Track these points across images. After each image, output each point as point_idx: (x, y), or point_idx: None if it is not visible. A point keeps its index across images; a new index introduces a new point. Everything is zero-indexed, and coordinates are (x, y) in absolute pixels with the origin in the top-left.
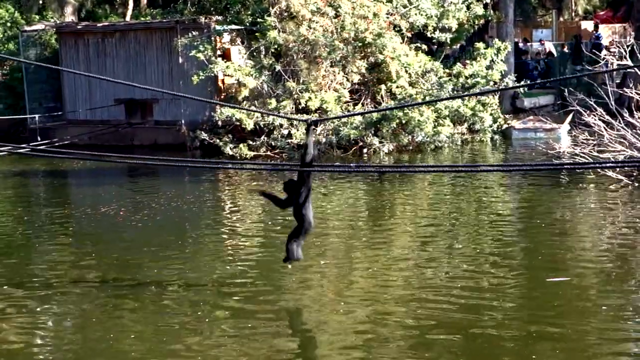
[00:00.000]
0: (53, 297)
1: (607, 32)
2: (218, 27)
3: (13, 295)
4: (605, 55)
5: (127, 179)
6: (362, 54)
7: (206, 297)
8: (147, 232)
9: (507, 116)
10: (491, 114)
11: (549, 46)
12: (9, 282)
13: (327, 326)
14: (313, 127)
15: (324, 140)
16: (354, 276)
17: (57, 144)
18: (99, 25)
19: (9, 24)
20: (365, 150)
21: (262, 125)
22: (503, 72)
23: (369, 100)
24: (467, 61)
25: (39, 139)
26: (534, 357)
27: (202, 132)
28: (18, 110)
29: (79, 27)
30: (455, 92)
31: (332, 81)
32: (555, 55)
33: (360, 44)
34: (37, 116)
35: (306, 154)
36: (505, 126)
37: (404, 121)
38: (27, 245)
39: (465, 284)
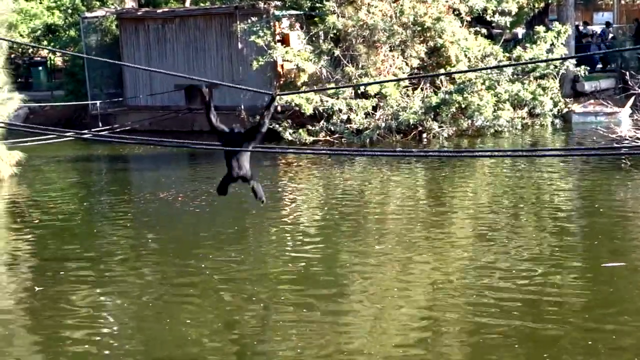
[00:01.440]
0: (112, 283)
1: None
2: (277, 13)
3: (73, 280)
4: None
5: (187, 165)
6: (421, 38)
7: (265, 285)
8: (205, 219)
9: (567, 100)
10: (551, 98)
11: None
12: (69, 267)
13: (386, 315)
14: (275, 101)
15: (382, 125)
16: (412, 264)
17: (118, 130)
18: (159, 11)
19: (70, 11)
20: (424, 135)
21: (321, 110)
22: (563, 56)
23: (428, 85)
24: (527, 45)
25: (100, 125)
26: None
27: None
28: (80, 97)
29: (139, 13)
30: (515, 76)
31: (391, 66)
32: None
33: (419, 28)
34: (98, 102)
35: (262, 124)
36: (565, 110)
37: (463, 105)
38: (88, 230)
39: (525, 272)
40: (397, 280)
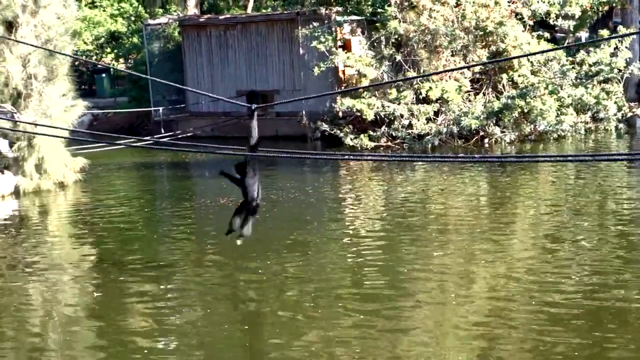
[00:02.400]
0: (172, 290)
1: None
2: (338, 18)
3: (135, 286)
4: None
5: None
6: (483, 43)
7: (325, 292)
8: (264, 226)
9: (631, 104)
10: (615, 102)
11: None
12: (131, 273)
13: (446, 325)
14: (257, 112)
15: (444, 130)
16: (474, 269)
17: (180, 136)
18: (221, 17)
19: (133, 18)
20: (486, 140)
21: (382, 116)
22: (628, 60)
23: (490, 89)
24: (591, 49)
25: (162, 131)
26: None
27: (323, 123)
28: (142, 103)
29: (201, 19)
30: (578, 80)
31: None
32: None
33: (481, 33)
34: (161, 109)
35: (250, 138)
36: (629, 114)
37: (526, 110)
38: (149, 236)
39: (588, 285)
40: (457, 289)
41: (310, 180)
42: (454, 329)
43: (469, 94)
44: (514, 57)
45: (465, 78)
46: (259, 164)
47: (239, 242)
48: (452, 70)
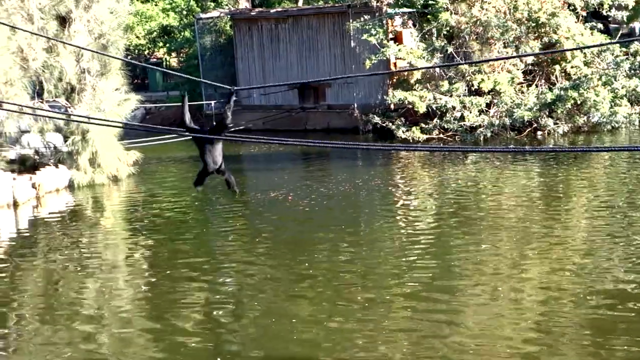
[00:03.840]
0: (225, 283)
1: None
2: (390, 11)
3: (187, 279)
4: None
5: (300, 163)
6: (536, 34)
7: (377, 283)
8: (316, 218)
9: None
10: None
11: None
12: (182, 265)
13: (499, 317)
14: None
15: (497, 122)
16: (525, 265)
17: (232, 129)
18: (272, 11)
19: (184, 12)
20: (539, 132)
21: (434, 108)
22: None
23: (542, 81)
24: None
25: (214, 124)
26: None
27: (375, 116)
28: (194, 97)
29: (252, 13)
30: (632, 71)
31: (505, 62)
32: None
33: (533, 24)
34: (213, 102)
35: (225, 118)
36: None
37: (579, 102)
38: (200, 230)
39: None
40: (509, 281)
41: (362, 173)
42: (508, 321)
43: (522, 86)
44: (564, 50)
45: (518, 70)
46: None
47: (236, 195)
48: (484, 61)
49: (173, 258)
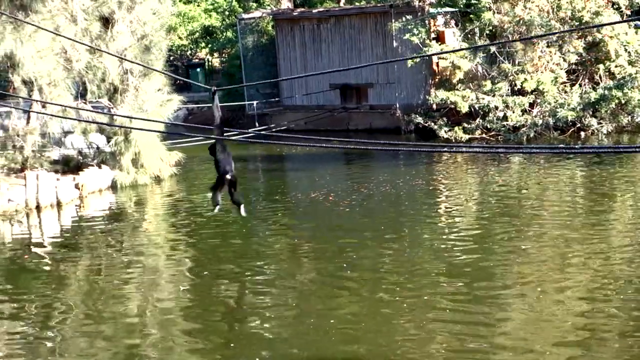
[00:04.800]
0: (267, 281)
1: None
2: (432, 10)
3: (228, 279)
4: None
5: (342, 164)
6: (580, 33)
7: (419, 283)
8: (356, 218)
9: None
10: None
11: None
12: (224, 265)
13: (540, 318)
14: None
15: (540, 122)
16: (568, 267)
17: (274, 130)
18: (314, 11)
19: (227, 13)
20: (583, 132)
21: (477, 108)
22: None
23: (586, 80)
24: None
25: (257, 125)
26: None
27: (417, 116)
28: (237, 97)
29: (294, 13)
30: None
31: (548, 62)
32: None
33: (577, 23)
34: (255, 102)
35: (214, 118)
36: None
37: (623, 101)
38: (242, 230)
39: None
40: (551, 283)
41: (403, 173)
42: (549, 324)
43: (565, 85)
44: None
45: (561, 69)
46: (225, 142)
47: (215, 210)
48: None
49: (214, 258)
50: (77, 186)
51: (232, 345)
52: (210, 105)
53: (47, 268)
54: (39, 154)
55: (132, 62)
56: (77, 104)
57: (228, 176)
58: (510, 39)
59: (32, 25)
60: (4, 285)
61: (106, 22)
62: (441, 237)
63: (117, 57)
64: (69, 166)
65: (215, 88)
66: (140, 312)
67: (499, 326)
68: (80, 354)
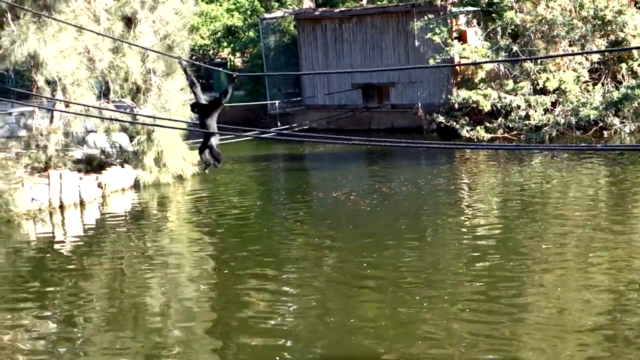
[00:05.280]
0: (288, 280)
1: None
2: (454, 9)
3: (250, 277)
4: None
5: (364, 163)
6: (602, 33)
7: (440, 283)
8: (377, 217)
9: None
10: None
11: None
12: (246, 264)
13: (564, 320)
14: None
15: (562, 121)
16: (592, 267)
17: (296, 129)
18: (336, 10)
19: (249, 12)
20: (605, 132)
21: (499, 107)
22: None
23: (609, 79)
24: None
25: (279, 124)
26: None
27: (439, 115)
28: (259, 97)
29: (316, 13)
30: None
31: (570, 61)
32: None
33: (599, 22)
34: (277, 102)
35: (224, 95)
36: None
37: None
38: (264, 229)
39: None
40: (574, 284)
41: (425, 172)
42: (571, 324)
43: (588, 84)
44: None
45: (584, 68)
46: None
47: (207, 171)
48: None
49: (236, 257)
50: (100, 185)
51: (253, 344)
52: (233, 104)
53: (70, 267)
54: (62, 153)
55: (163, 54)
56: (100, 103)
57: (212, 139)
58: (532, 38)
59: (57, 20)
60: (28, 284)
61: (129, 22)
62: (462, 236)
63: (144, 48)
64: (92, 165)
65: (237, 74)
66: (162, 311)
67: (520, 327)
68: (103, 352)
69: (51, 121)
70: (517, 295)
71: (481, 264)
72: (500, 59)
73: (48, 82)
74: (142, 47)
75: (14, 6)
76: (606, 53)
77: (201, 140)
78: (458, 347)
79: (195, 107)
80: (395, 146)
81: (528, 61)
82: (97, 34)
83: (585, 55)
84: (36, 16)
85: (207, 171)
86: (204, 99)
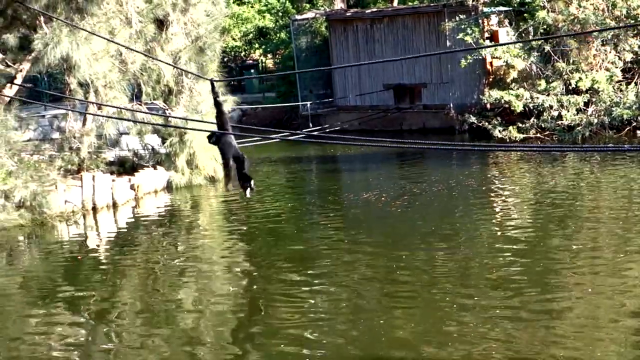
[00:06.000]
0: (321, 282)
1: None
2: (485, 9)
3: (282, 278)
4: None
5: (395, 164)
6: (635, 32)
7: (473, 284)
8: (408, 219)
9: None
10: None
11: None
12: (278, 265)
13: (599, 320)
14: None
15: (595, 121)
16: (626, 269)
17: (328, 130)
18: (367, 11)
19: (280, 14)
20: (638, 131)
21: (531, 107)
22: None
23: None
24: None
25: (310, 125)
26: None
27: (471, 116)
28: (290, 98)
29: (348, 14)
30: None
31: (603, 60)
32: None
33: (632, 21)
34: (308, 103)
35: (217, 108)
36: None
37: None
38: (295, 230)
39: None
40: (607, 287)
41: (456, 173)
42: (605, 325)
43: (621, 84)
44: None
45: (617, 68)
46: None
47: (248, 194)
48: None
49: (269, 259)
50: (132, 187)
51: (282, 345)
52: (265, 106)
53: (103, 268)
54: (95, 155)
55: (193, 73)
56: (132, 105)
57: (231, 161)
58: (564, 38)
59: (84, 30)
60: (61, 286)
61: (161, 24)
62: (493, 238)
63: (166, 63)
64: (125, 167)
65: (213, 78)
66: (194, 313)
67: (554, 330)
68: (135, 354)
69: (84, 123)
70: (551, 299)
71: (513, 267)
72: (532, 59)
73: (81, 85)
74: (173, 65)
75: (45, 13)
76: (639, 52)
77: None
78: (488, 350)
79: (213, 138)
80: (427, 148)
81: (560, 61)
82: (122, 45)
83: (617, 54)
84: (68, 19)
85: (248, 194)
86: (227, 127)
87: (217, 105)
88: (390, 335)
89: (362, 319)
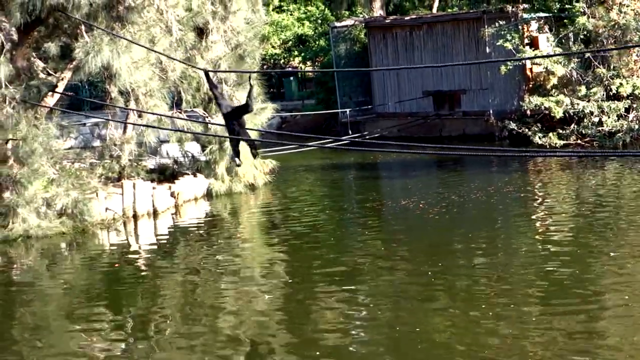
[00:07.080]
0: (359, 289)
1: None
2: (525, 16)
3: (321, 286)
4: None
5: (435, 171)
6: None
7: (511, 292)
8: (446, 226)
9: None
10: None
11: None
12: (317, 273)
13: (638, 328)
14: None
15: (636, 127)
16: None
17: (367, 137)
18: (406, 18)
19: (319, 21)
20: None
21: (571, 114)
22: None
23: None
24: None
25: (350, 132)
26: None
27: (511, 122)
28: (329, 105)
29: (387, 21)
30: None
31: None
32: None
33: None
34: (348, 110)
35: (218, 98)
36: None
37: None
38: (335, 238)
39: None
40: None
41: (496, 180)
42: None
43: None
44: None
45: None
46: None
47: (237, 161)
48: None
49: (308, 266)
50: (172, 195)
51: (317, 353)
52: (304, 113)
53: (144, 275)
54: (135, 163)
55: (223, 71)
56: (172, 113)
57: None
58: (605, 43)
59: (125, 39)
60: (102, 293)
61: (200, 32)
62: (533, 246)
63: (204, 70)
64: (165, 175)
65: (207, 69)
66: (235, 323)
67: (594, 333)
68: (175, 358)
69: (124, 131)
70: (590, 309)
71: (552, 275)
72: (572, 65)
73: (121, 93)
74: (177, 60)
75: (86, 22)
76: None
77: (269, 149)
78: (529, 356)
79: (225, 114)
80: (467, 155)
81: (601, 67)
82: (160, 53)
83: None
84: (109, 27)
85: (238, 161)
86: (226, 105)
87: (215, 96)
88: (428, 345)
89: (401, 327)
